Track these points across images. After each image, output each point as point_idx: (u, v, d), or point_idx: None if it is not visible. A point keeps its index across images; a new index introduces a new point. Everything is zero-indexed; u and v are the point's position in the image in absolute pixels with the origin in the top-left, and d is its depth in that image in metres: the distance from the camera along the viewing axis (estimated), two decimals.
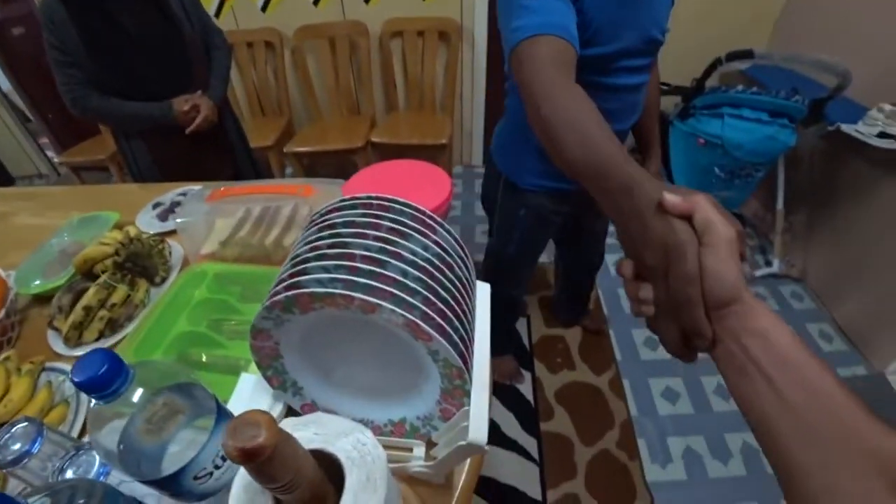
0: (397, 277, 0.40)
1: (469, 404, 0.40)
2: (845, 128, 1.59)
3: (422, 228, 0.46)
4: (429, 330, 0.38)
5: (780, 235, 1.97)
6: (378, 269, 0.40)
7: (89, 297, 0.71)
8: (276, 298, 0.40)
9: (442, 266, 0.43)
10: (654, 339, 1.54)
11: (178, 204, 1.04)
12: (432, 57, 2.23)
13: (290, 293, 0.39)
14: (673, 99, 2.10)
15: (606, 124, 0.47)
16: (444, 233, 0.48)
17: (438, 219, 0.48)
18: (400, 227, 0.45)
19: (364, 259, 0.41)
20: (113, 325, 0.73)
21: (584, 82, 0.56)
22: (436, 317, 0.39)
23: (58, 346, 0.71)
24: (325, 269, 0.40)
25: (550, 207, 1.05)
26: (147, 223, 0.99)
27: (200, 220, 0.84)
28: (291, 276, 0.42)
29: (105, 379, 0.33)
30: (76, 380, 0.32)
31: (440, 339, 0.39)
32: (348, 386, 0.49)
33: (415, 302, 0.39)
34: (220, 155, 1.42)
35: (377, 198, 0.48)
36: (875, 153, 1.56)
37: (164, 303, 0.70)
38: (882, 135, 1.49)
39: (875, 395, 1.58)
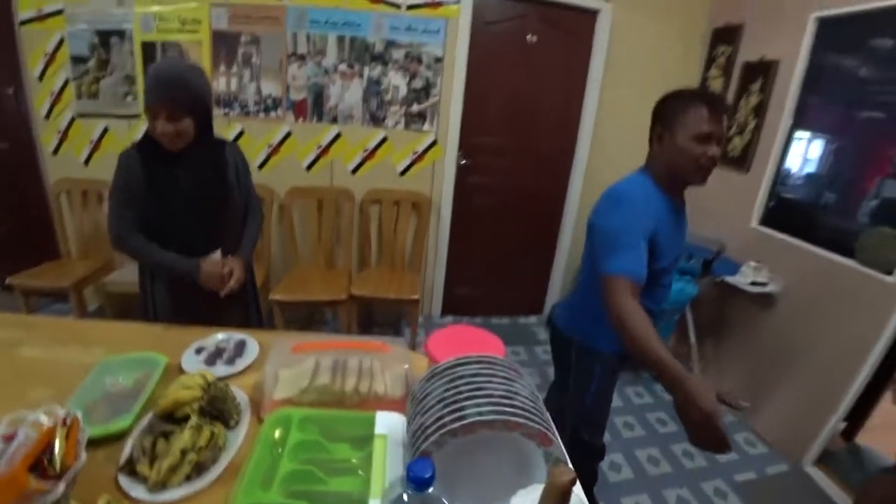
0: (526, 405, 0.65)
1: None
2: (728, 279, 2.19)
3: (515, 372, 0.75)
4: (552, 437, 0.64)
5: (696, 363, 2.43)
6: (512, 402, 0.65)
7: (185, 439, 0.72)
8: (452, 427, 0.62)
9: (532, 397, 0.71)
10: None
11: (223, 350, 1.11)
12: (405, 223, 2.63)
13: (464, 423, 0.61)
14: None
15: (657, 335, 0.97)
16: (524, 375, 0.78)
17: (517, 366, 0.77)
18: (508, 373, 0.73)
19: (500, 397, 0.66)
20: (199, 469, 0.74)
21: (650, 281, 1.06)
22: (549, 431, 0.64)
23: (137, 492, 0.69)
24: (478, 405, 0.64)
25: (619, 363, 1.38)
26: (193, 366, 1.02)
27: (279, 369, 0.96)
28: (451, 412, 0.64)
29: None
30: None
31: (559, 442, 0.62)
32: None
33: (541, 421, 0.64)
34: (237, 307, 1.49)
35: (486, 357, 0.76)
36: (750, 296, 2.17)
37: (260, 445, 0.76)
38: (753, 283, 2.07)
39: (797, 488, 1.90)
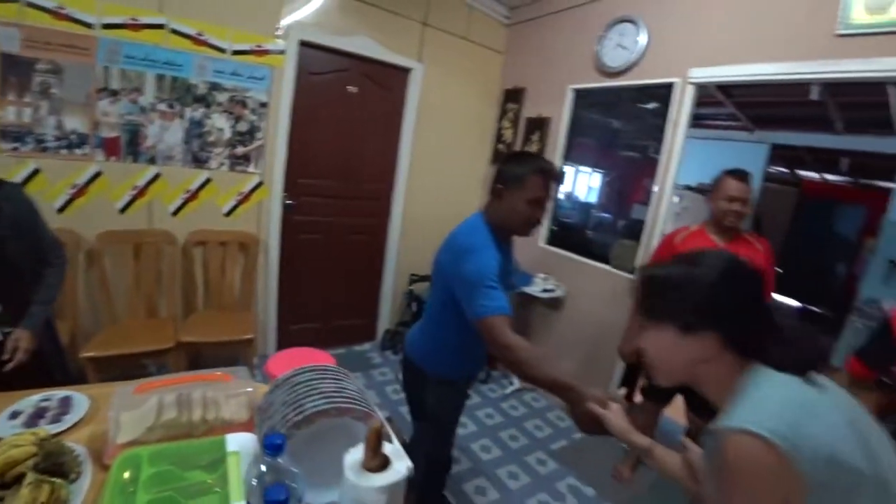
0: (353, 396, 0.95)
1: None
2: (525, 289, 2.74)
3: (343, 374, 1.04)
4: (375, 415, 0.94)
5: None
6: (341, 394, 0.93)
7: (24, 497, 0.74)
8: (295, 419, 0.85)
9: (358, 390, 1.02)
10: None
11: (45, 409, 1.11)
12: (233, 263, 2.80)
13: (304, 414, 0.86)
14: (424, 284, 3.07)
15: (543, 358, 1.24)
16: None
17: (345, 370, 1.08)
18: (336, 374, 1.02)
19: (331, 392, 0.93)
20: None
21: None
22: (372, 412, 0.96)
23: None
24: (314, 401, 0.89)
25: (465, 385, 1.73)
26: (10, 432, 0.99)
27: (121, 415, 1.02)
28: (293, 409, 0.87)
29: None
30: None
31: (378, 414, 0.97)
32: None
33: (366, 405, 0.95)
34: (37, 375, 1.39)
35: (317, 365, 1.02)
36: (544, 300, 3.00)
37: (109, 489, 0.80)
38: (544, 290, 2.65)
39: (597, 444, 2.49)
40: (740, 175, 2.00)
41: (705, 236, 2.07)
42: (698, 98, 2.55)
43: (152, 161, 2.56)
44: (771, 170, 5.97)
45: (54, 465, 0.84)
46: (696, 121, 2.76)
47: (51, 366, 1.51)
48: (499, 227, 1.49)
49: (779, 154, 5.67)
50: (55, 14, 2.18)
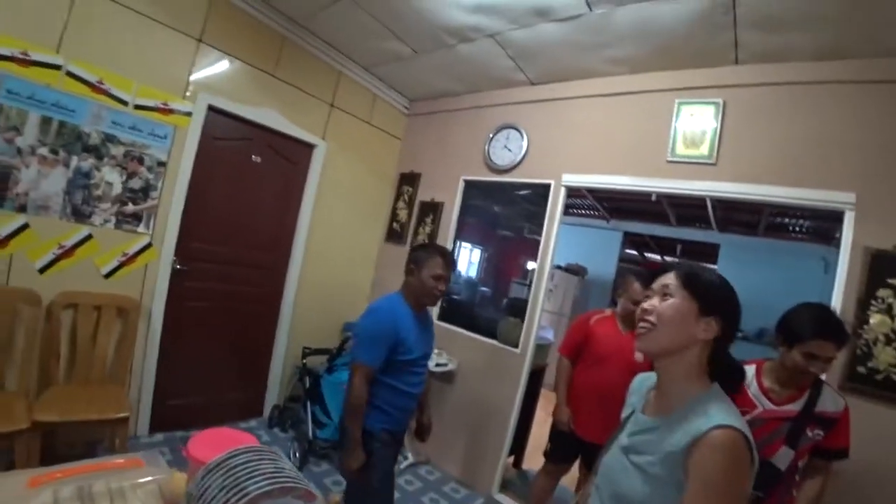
0: (291, 475, 0.94)
1: None
2: None
3: (276, 454, 1.02)
4: (315, 493, 0.96)
5: (405, 438, 2.93)
6: (281, 474, 0.93)
7: None
8: (240, 502, 0.84)
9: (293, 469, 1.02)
10: None
11: None
12: (107, 330, 2.52)
13: (249, 496, 0.85)
14: (319, 358, 3.07)
15: (360, 416, 1.81)
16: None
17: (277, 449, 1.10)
18: (271, 455, 1.00)
19: (272, 473, 0.92)
20: None
21: (400, 370, 1.88)
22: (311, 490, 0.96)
23: None
24: (256, 482, 0.88)
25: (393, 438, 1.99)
26: None
27: None
28: (235, 493, 0.85)
29: None
30: None
31: (321, 497, 1.05)
32: None
33: (304, 484, 0.95)
34: None
35: (252, 447, 1.01)
36: (437, 374, 3.13)
37: None
38: (437, 365, 2.91)
39: None
40: (643, 280, 2.30)
41: (613, 322, 2.46)
42: (569, 191, 3.07)
43: (22, 209, 2.27)
44: (626, 252, 7.18)
45: None
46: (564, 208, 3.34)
47: None
48: (413, 299, 1.98)
49: (630, 240, 7.05)
50: None
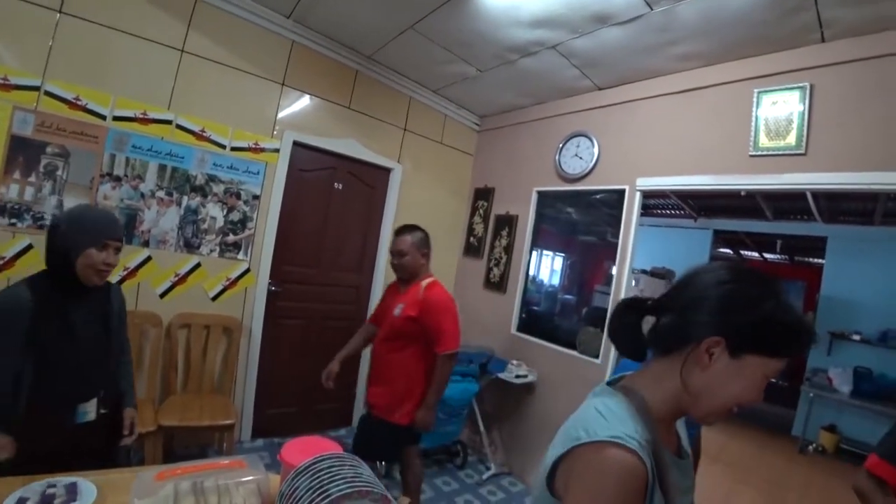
0: (370, 480, 1.04)
1: None
2: (500, 375, 2.87)
3: (357, 461, 1.12)
4: (391, 499, 1.01)
5: (488, 448, 2.95)
6: (360, 479, 1.02)
7: None
8: (324, 502, 0.94)
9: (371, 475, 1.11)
10: None
11: (52, 496, 1.10)
12: (215, 347, 2.79)
13: (330, 498, 0.94)
14: None
15: None
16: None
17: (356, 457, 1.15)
18: (352, 461, 1.10)
19: (352, 477, 1.02)
20: None
21: None
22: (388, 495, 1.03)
23: None
24: (338, 485, 0.97)
25: None
26: None
27: (148, 500, 1.06)
28: (319, 494, 0.95)
29: None
30: None
31: (393, 500, 1.02)
32: None
33: (381, 489, 1.02)
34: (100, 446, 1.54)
35: (334, 454, 1.11)
36: (517, 386, 3.07)
37: None
38: (517, 376, 2.78)
39: None
40: (398, 230, 2.35)
41: (395, 286, 2.42)
42: (650, 193, 2.96)
43: (146, 244, 2.66)
44: (718, 251, 6.62)
45: None
46: (646, 210, 3.14)
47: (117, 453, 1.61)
48: None
49: (722, 238, 6.47)
50: (71, 104, 2.37)
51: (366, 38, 3.08)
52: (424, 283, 2.25)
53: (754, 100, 2.43)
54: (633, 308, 0.87)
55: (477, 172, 4.12)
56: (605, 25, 2.44)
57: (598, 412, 0.76)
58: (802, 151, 2.27)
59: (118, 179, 2.56)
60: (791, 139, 2.33)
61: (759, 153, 2.41)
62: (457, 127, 4.04)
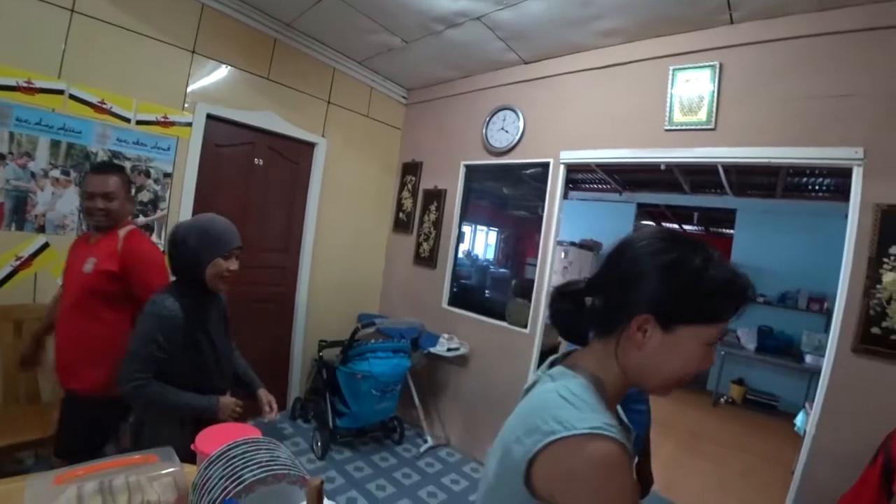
0: (287, 462, 1.03)
1: None
2: (432, 350, 2.89)
3: (274, 443, 1.11)
4: (308, 479, 0.97)
5: (424, 421, 2.99)
6: (276, 462, 1.01)
7: None
8: (235, 489, 0.92)
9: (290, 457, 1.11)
10: None
11: None
12: None
13: (244, 484, 0.93)
14: (334, 350, 3.09)
15: None
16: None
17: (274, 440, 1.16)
18: (268, 445, 1.08)
19: (267, 461, 1.01)
20: None
21: None
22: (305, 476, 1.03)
23: None
24: (251, 470, 0.96)
25: None
26: None
27: None
28: (232, 481, 0.94)
29: None
30: None
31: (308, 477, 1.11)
32: None
33: (298, 470, 1.03)
34: None
35: (249, 438, 1.09)
36: (449, 359, 3.13)
37: None
38: (449, 349, 2.81)
39: None
40: (97, 168, 1.96)
41: (81, 240, 2.01)
42: (575, 167, 3.03)
43: (41, 229, 2.41)
44: (641, 223, 7.01)
45: None
46: (575, 184, 3.22)
47: None
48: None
49: (645, 210, 6.90)
50: None
51: (284, 4, 2.90)
52: (123, 232, 1.88)
53: (670, 77, 2.54)
54: (566, 294, 0.85)
55: (405, 147, 4.06)
56: None
57: (563, 399, 0.71)
58: (712, 127, 2.41)
59: (2, 157, 2.28)
60: (702, 115, 2.46)
61: (674, 128, 2.53)
62: (383, 100, 3.93)
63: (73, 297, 1.85)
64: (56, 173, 2.43)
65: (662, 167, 3.51)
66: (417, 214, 3.82)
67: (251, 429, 1.38)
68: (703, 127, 2.43)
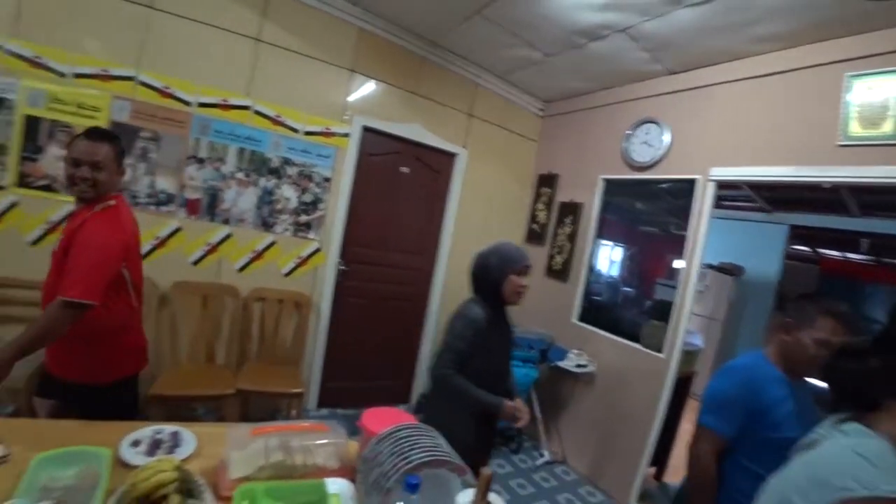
0: (447, 450, 1.08)
1: None
2: (559, 364, 2.87)
3: (434, 432, 1.16)
4: (466, 469, 1.06)
5: (543, 435, 2.95)
6: (438, 449, 1.06)
7: None
8: (406, 467, 0.98)
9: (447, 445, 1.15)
10: None
11: (160, 441, 1.24)
12: (287, 320, 2.94)
13: (413, 464, 0.98)
14: None
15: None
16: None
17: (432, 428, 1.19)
18: (429, 433, 1.13)
19: (431, 447, 1.06)
20: None
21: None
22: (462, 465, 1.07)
23: None
24: (418, 453, 1.02)
25: None
26: (133, 458, 1.15)
27: (241, 452, 1.16)
28: (402, 459, 1.00)
29: None
30: None
31: (469, 472, 1.07)
32: None
33: (458, 460, 1.06)
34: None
35: (413, 424, 1.17)
36: (576, 375, 3.06)
37: None
38: (577, 365, 2.76)
39: None
40: (89, 133, 1.59)
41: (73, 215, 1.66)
42: (723, 184, 2.80)
43: (226, 222, 2.86)
44: (792, 248, 6.07)
45: (188, 489, 0.97)
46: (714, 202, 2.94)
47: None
48: (785, 363, 1.46)
49: (798, 234, 5.83)
50: (161, 92, 2.59)
51: (432, 25, 3.11)
52: (100, 206, 1.57)
53: (844, 84, 2.23)
54: (850, 354, 0.81)
55: (541, 159, 4.07)
56: (678, 7, 2.33)
57: (861, 457, 0.67)
58: None
59: (202, 161, 2.75)
60: (887, 127, 2.14)
61: (850, 143, 2.21)
62: (520, 112, 4.01)
63: (52, 278, 1.56)
64: (240, 175, 2.86)
65: (827, 185, 3.11)
66: (552, 227, 3.81)
67: (408, 416, 1.49)
68: (889, 141, 2.09)
